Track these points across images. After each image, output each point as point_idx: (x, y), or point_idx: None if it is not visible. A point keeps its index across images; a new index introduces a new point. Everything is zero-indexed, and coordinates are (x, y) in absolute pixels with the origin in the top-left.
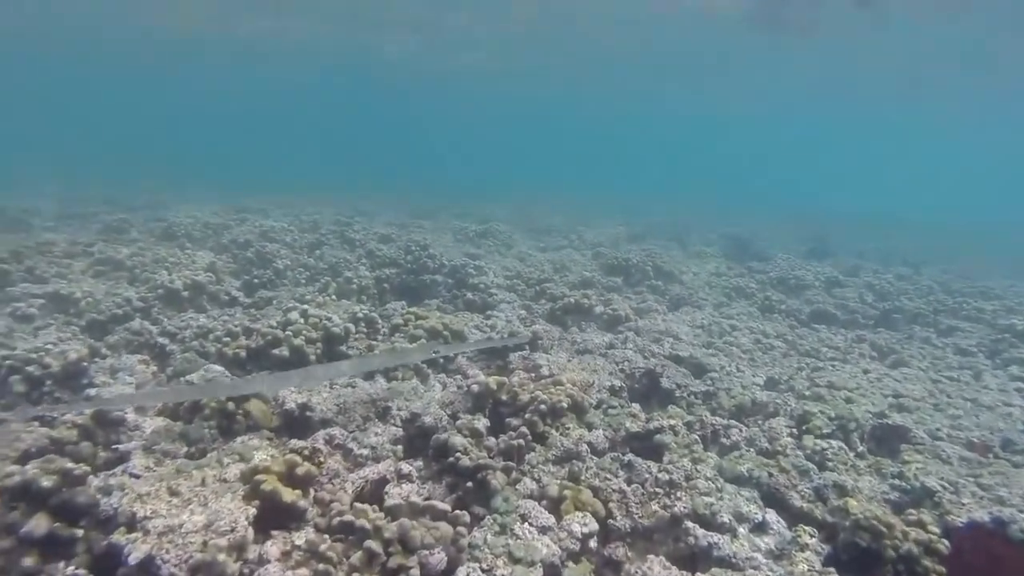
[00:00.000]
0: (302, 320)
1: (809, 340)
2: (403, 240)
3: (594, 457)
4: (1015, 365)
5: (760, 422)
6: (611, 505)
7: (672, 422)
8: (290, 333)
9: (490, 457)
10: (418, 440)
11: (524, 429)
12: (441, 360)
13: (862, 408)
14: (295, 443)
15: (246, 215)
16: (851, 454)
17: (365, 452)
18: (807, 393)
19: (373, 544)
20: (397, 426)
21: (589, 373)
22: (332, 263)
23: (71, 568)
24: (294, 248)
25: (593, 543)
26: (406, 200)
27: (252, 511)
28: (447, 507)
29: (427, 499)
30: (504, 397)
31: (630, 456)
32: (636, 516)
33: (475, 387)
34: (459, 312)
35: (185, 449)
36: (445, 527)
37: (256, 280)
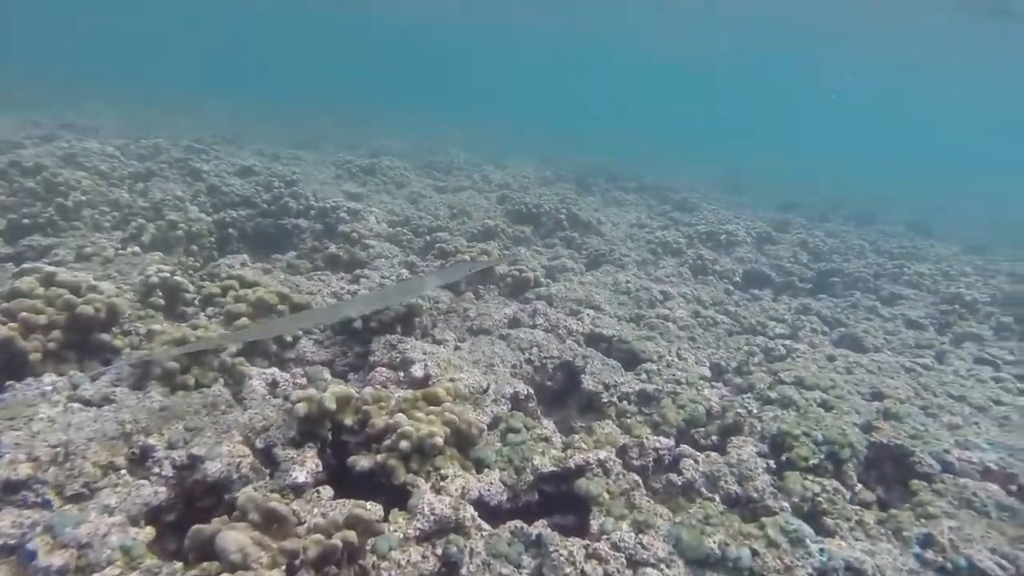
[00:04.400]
0: (40, 289)
1: (751, 310)
2: (265, 175)
3: (484, 530)
4: (969, 342)
5: (716, 439)
6: None
7: (601, 455)
8: None
9: (296, 567)
10: (205, 498)
11: (346, 538)
12: (271, 342)
13: (848, 421)
14: None
15: (64, 131)
16: (847, 496)
17: (58, 562)
18: (772, 395)
19: None
20: (162, 480)
21: (483, 373)
22: (157, 201)
23: None
24: (109, 179)
25: None
26: (304, 124)
27: None
28: None
29: None
30: (349, 421)
31: (540, 529)
32: None
33: (301, 407)
34: (315, 273)
35: None
36: None
37: (26, 221)
